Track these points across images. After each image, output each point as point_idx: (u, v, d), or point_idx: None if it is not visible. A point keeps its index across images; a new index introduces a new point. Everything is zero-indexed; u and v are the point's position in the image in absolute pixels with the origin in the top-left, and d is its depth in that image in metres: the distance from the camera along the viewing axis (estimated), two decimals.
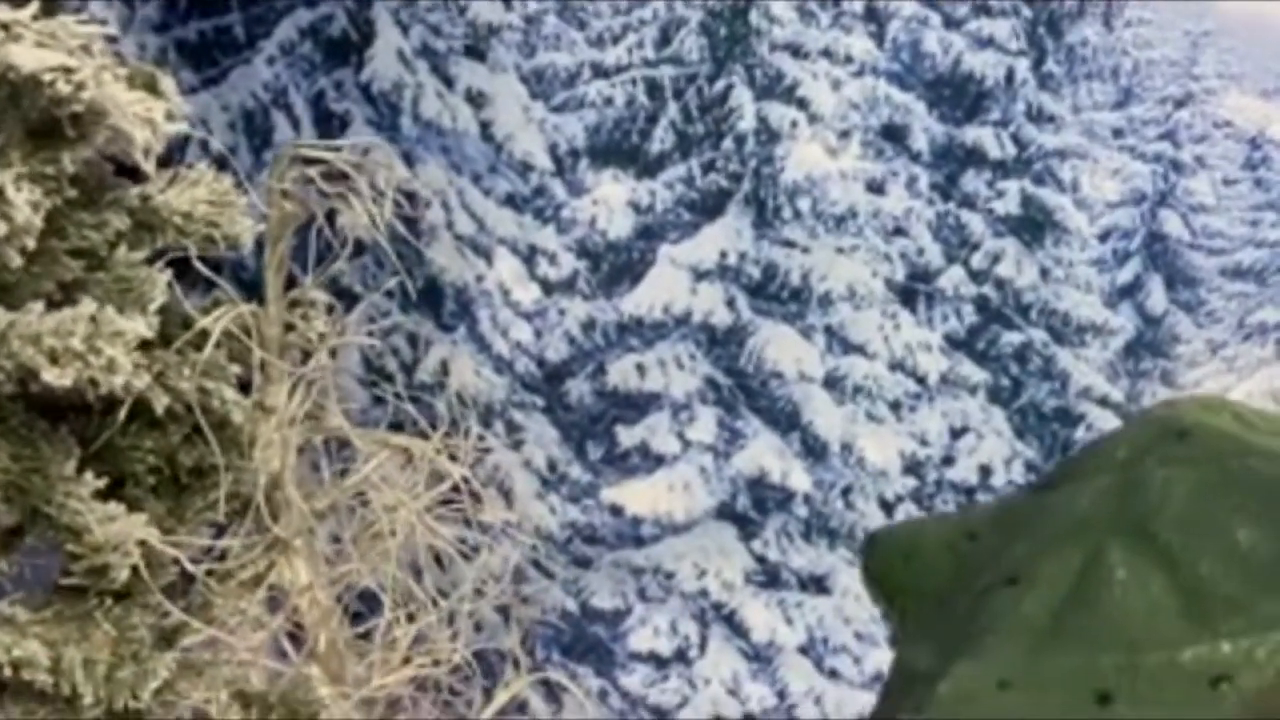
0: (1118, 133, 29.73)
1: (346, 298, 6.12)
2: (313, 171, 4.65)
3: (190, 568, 4.26)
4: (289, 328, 4.97)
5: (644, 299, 14.92)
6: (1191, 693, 0.37)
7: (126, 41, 11.43)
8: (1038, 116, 19.01)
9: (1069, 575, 0.46)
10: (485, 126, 12.85)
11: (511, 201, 13.60)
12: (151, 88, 4.33)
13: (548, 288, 14.59)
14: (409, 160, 12.36)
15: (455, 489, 5.21)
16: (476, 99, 12.63)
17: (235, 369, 4.41)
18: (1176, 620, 0.41)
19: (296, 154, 4.80)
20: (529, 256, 13.81)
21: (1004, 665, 0.42)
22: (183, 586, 4.46)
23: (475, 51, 12.77)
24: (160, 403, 4.07)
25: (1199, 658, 0.38)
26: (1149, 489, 0.48)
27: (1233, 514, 0.45)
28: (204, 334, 4.35)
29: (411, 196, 5.06)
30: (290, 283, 5.09)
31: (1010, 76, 18.50)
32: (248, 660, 4.63)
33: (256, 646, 4.68)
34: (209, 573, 4.58)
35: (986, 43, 18.56)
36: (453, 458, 5.26)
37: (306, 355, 4.96)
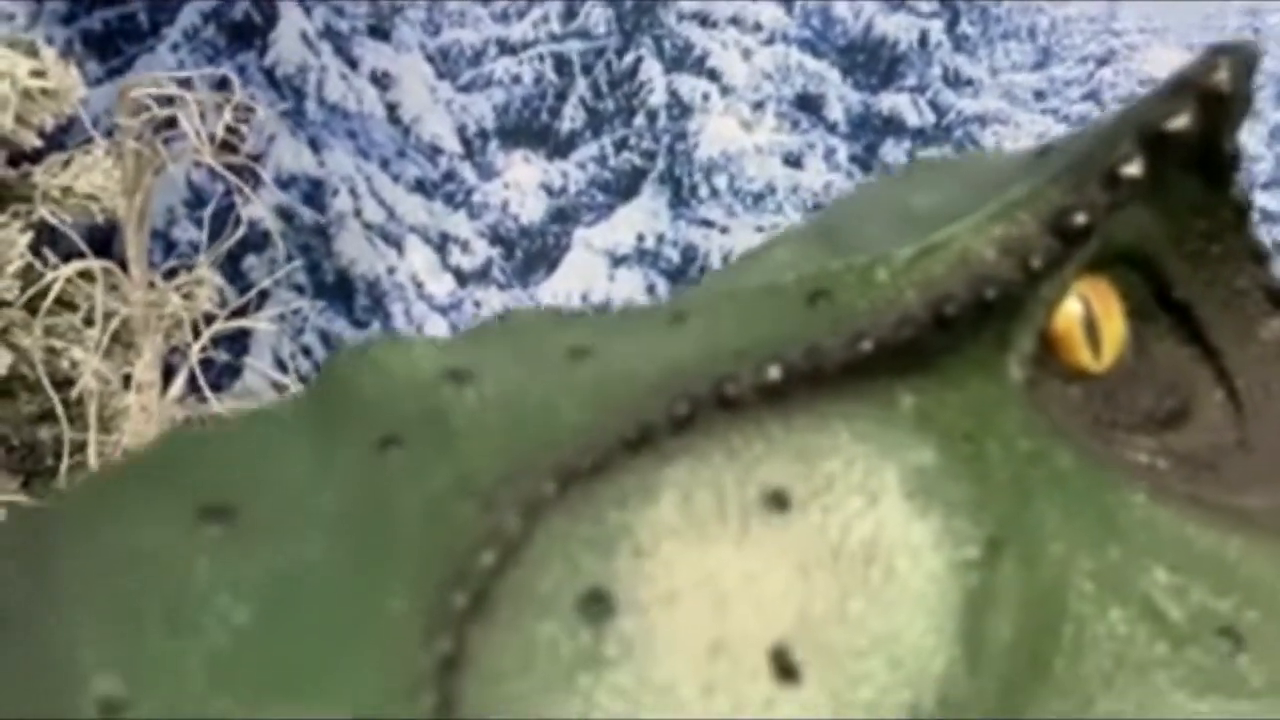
0: (1039, 95, 29.89)
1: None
2: (152, 102, 4.58)
3: None
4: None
5: (561, 287, 14.87)
6: (779, 307, 0.34)
7: (35, 34, 11.43)
8: (955, 81, 19.16)
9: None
10: (392, 109, 12.84)
11: (421, 187, 13.59)
12: (31, 53, 4.36)
13: (462, 278, 14.55)
14: (315, 146, 12.32)
15: None
16: (382, 80, 12.61)
17: (92, 332, 4.37)
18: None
19: (138, 91, 4.72)
20: (441, 245, 13.80)
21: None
22: None
23: (379, 31, 12.74)
24: (2, 361, 4.04)
25: (802, 278, 0.35)
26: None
27: (920, 187, 0.43)
28: (68, 302, 4.32)
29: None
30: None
31: (924, 39, 18.63)
32: None
33: None
34: None
35: (898, 5, 18.67)
36: None
37: (196, 337, 4.92)
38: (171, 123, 4.67)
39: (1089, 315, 0.40)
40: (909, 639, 0.30)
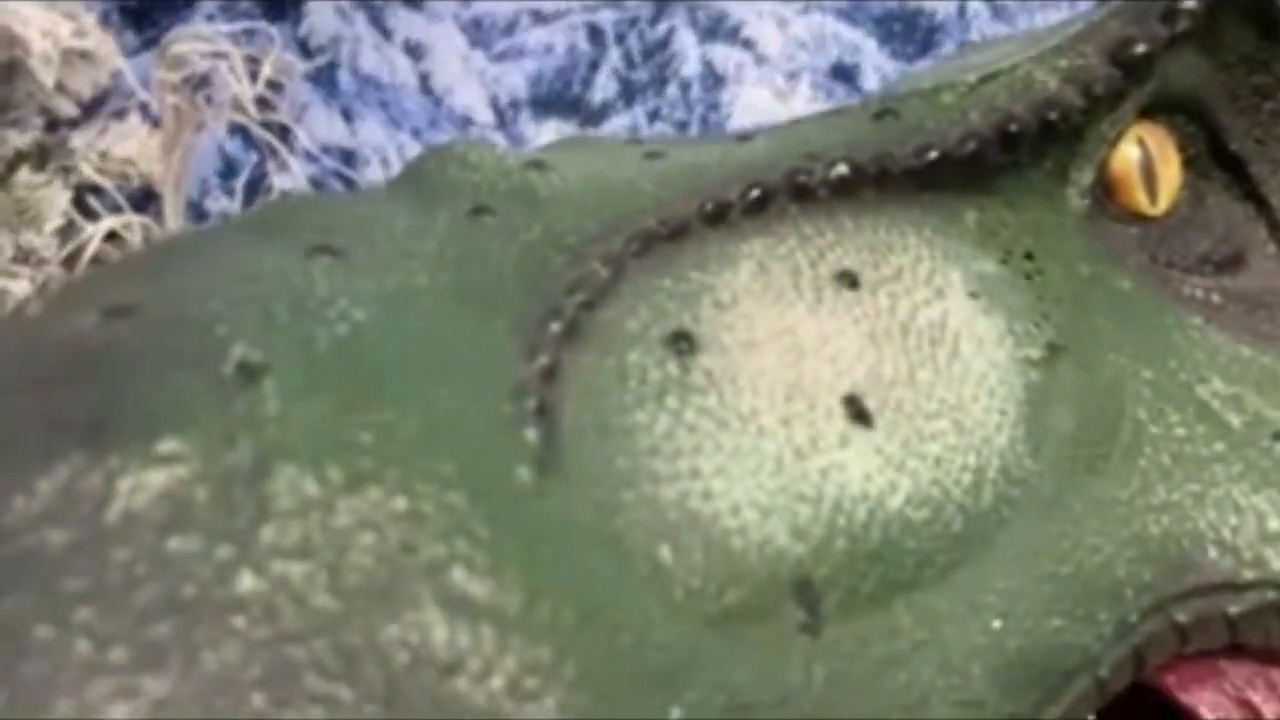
0: None
1: None
2: (196, 56, 4.61)
3: None
4: None
5: None
6: (845, 122, 0.36)
7: (73, 6, 11.60)
8: None
9: None
10: (424, 79, 12.85)
11: None
12: (71, 15, 4.40)
13: None
14: (347, 116, 12.39)
15: None
16: (415, 50, 12.63)
17: None
18: None
19: (178, 47, 4.74)
20: None
21: None
22: None
23: (413, 1, 12.76)
24: None
25: (867, 101, 0.37)
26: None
27: (977, 53, 0.45)
28: (105, 262, 4.37)
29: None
30: None
31: (962, 9, 18.49)
32: None
33: None
34: None
35: None
36: None
37: None
38: (211, 82, 4.71)
39: (1146, 159, 0.41)
40: (974, 412, 0.31)
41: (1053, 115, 0.37)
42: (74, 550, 0.19)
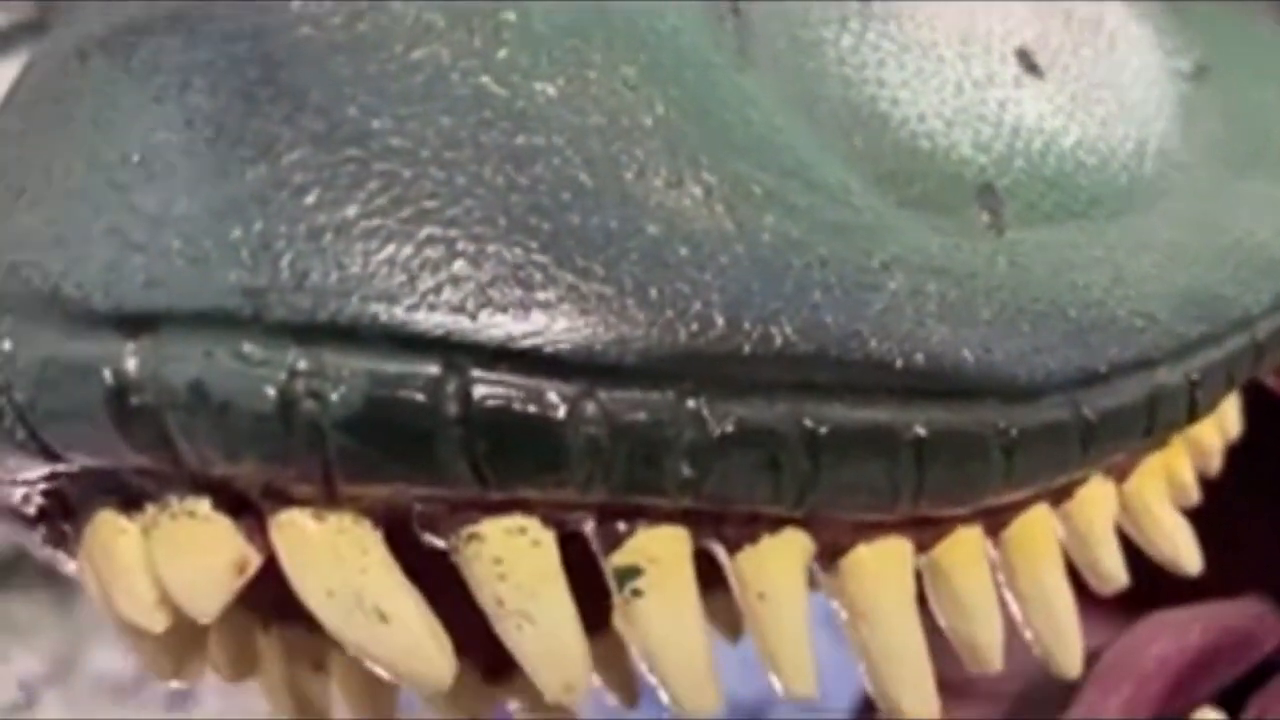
0: None
1: None
2: None
3: None
4: None
5: None
6: None
7: None
8: None
9: None
10: None
11: None
12: None
13: None
14: None
15: None
16: None
17: None
18: None
19: None
20: None
21: None
22: None
23: None
24: None
25: None
26: None
27: None
28: None
29: None
30: None
31: None
32: None
33: None
34: None
35: None
36: None
37: None
38: None
39: None
40: (1133, 95, 0.32)
41: None
42: (332, 48, 0.20)
